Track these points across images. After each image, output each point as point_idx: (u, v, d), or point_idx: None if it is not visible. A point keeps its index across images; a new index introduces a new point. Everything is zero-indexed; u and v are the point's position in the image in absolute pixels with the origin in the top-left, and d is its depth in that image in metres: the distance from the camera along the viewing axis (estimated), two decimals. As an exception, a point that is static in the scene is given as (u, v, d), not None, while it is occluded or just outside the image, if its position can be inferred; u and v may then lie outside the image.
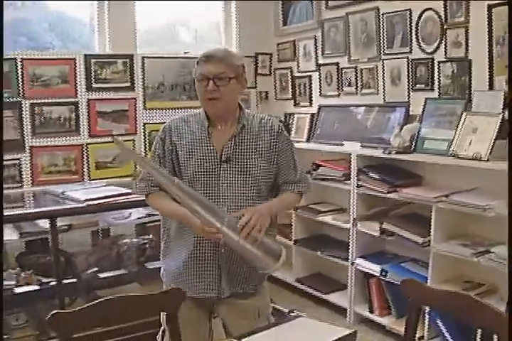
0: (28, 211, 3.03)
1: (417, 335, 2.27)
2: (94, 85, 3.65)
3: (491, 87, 2.79)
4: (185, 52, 3.98)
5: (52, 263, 2.87)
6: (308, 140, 4.00)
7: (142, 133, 3.86)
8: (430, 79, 3.13)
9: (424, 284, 1.99)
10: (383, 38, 3.41)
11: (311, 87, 4.09)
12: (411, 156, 3.03)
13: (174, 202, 1.83)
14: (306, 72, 4.11)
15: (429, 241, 2.83)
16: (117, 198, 3.04)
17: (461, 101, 2.93)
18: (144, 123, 3.87)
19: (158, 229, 2.08)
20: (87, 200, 2.97)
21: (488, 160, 2.62)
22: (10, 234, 2.94)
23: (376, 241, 3.31)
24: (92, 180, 3.65)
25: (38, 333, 2.94)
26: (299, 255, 3.88)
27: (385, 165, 3.21)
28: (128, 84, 3.78)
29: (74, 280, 3.06)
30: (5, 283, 2.83)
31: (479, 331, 2.45)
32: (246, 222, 1.74)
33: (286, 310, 2.95)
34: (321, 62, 3.95)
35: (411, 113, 3.25)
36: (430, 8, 3.07)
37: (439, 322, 2.74)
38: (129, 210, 3.31)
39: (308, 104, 4.14)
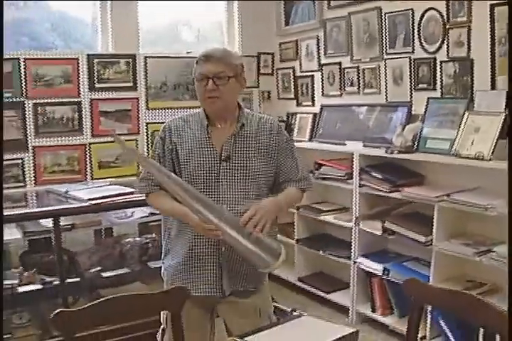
0: (32, 210, 3.05)
1: (419, 335, 2.27)
2: (97, 85, 3.66)
3: (493, 86, 2.79)
4: (188, 52, 3.98)
5: (56, 262, 2.88)
6: (310, 139, 4.00)
7: (145, 133, 3.87)
8: (432, 78, 3.13)
9: (426, 283, 1.99)
10: (385, 38, 3.41)
11: (313, 87, 4.09)
12: (413, 156, 3.03)
13: (175, 201, 1.84)
14: (308, 71, 4.11)
15: (431, 240, 2.84)
16: (120, 197, 3.04)
17: (464, 100, 2.93)
18: (147, 123, 3.88)
19: (160, 228, 2.08)
20: (90, 200, 2.98)
21: (490, 160, 2.62)
22: (13, 233, 2.95)
23: (378, 240, 3.32)
24: (95, 179, 3.66)
25: (41, 332, 2.94)
26: (301, 254, 3.88)
27: (387, 165, 3.21)
28: (130, 84, 3.79)
29: (77, 279, 3.07)
30: (8, 282, 2.84)
31: (481, 330, 2.46)
32: (250, 216, 1.74)
33: (289, 309, 2.95)
34: (323, 61, 3.95)
35: (413, 112, 3.25)
36: (432, 8, 3.07)
37: (442, 322, 2.74)
38: (132, 209, 3.32)
39: (310, 103, 4.14)
